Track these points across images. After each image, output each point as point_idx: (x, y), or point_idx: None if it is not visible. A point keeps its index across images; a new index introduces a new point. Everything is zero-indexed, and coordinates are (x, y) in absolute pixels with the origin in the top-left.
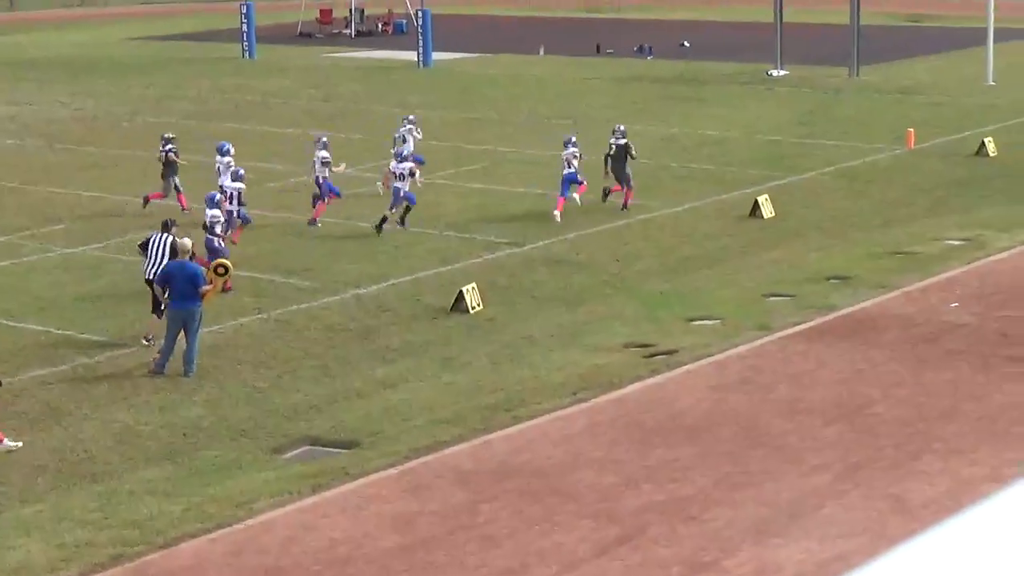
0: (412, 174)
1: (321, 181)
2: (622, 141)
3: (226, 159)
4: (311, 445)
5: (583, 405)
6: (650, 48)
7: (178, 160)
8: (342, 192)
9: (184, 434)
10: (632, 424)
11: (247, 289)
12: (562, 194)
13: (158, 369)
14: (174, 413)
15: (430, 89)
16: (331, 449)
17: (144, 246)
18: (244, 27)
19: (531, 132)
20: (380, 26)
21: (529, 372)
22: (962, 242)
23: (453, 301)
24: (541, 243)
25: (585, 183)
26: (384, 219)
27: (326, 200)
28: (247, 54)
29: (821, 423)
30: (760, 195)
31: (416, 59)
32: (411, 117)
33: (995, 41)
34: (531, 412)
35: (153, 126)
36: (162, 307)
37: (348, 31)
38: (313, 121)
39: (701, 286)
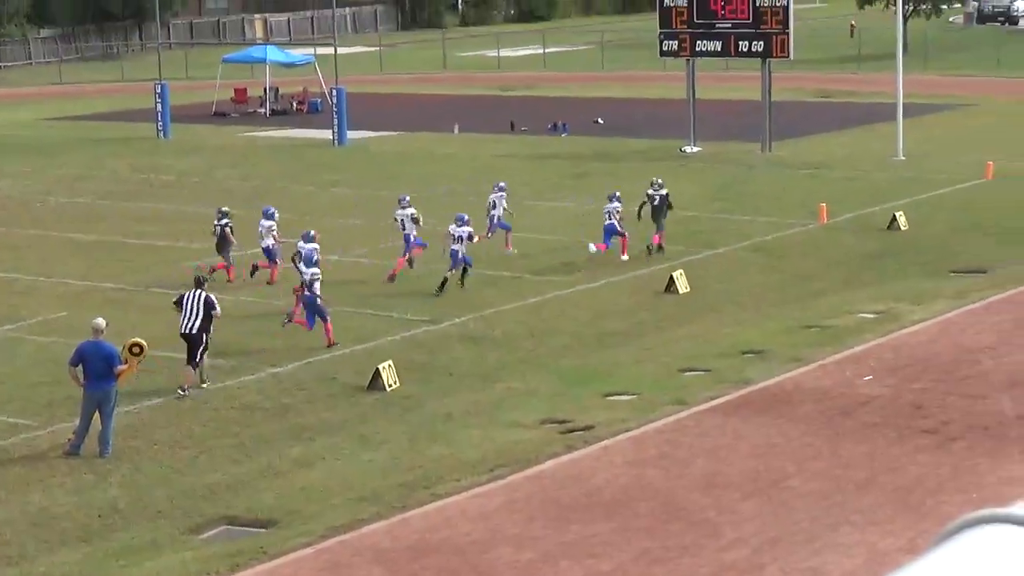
0: (470, 238)
1: (412, 238)
2: (663, 191)
3: (269, 223)
4: (228, 525)
5: (500, 482)
6: (564, 125)
7: (232, 235)
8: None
9: (100, 515)
10: (549, 500)
11: (163, 369)
12: (604, 242)
13: (73, 450)
14: (90, 494)
15: (345, 167)
16: (249, 529)
17: (179, 303)
18: (159, 107)
19: (447, 209)
20: (295, 105)
21: (446, 449)
22: (875, 315)
23: (370, 379)
24: (458, 320)
25: (627, 235)
26: (445, 281)
27: (405, 255)
28: (162, 134)
29: (738, 497)
30: (675, 270)
31: (331, 137)
32: (502, 184)
33: (904, 116)
34: (449, 489)
35: (66, 206)
36: (193, 359)
37: (263, 110)
38: (230, 200)
39: (617, 362)
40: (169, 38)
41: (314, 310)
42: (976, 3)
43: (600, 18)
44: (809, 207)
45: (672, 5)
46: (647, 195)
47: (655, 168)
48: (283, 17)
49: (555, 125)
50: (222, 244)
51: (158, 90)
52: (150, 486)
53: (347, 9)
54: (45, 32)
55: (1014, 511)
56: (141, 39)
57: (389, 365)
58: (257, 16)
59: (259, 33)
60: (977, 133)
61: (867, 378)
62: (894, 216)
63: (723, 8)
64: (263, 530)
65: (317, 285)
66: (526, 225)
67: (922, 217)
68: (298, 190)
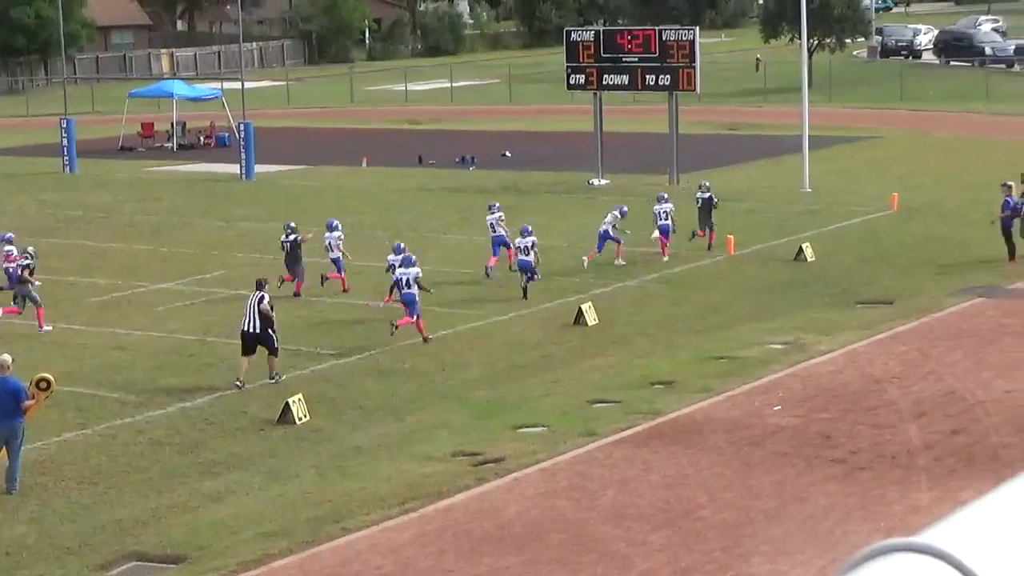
0: (534, 246)
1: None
2: (707, 195)
3: (336, 234)
4: (138, 561)
5: (411, 515)
6: (472, 159)
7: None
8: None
9: (8, 553)
10: (461, 533)
11: (71, 404)
12: (597, 248)
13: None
14: None
15: (254, 202)
16: (158, 564)
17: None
18: (64, 141)
19: (355, 243)
20: (202, 139)
21: (357, 483)
22: (783, 346)
23: (279, 413)
24: (367, 353)
25: (622, 241)
26: (528, 284)
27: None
28: (68, 168)
29: (649, 528)
30: (584, 303)
31: (239, 172)
32: (497, 204)
33: (810, 148)
34: (359, 523)
35: None
36: (250, 353)
37: (170, 144)
38: (136, 234)
39: (527, 394)
40: (75, 73)
41: (412, 306)
42: (880, 37)
43: (507, 52)
44: (717, 239)
45: (579, 39)
46: (697, 199)
47: (564, 201)
48: (190, 52)
49: (463, 158)
50: (291, 259)
51: (64, 125)
52: (58, 522)
53: (254, 44)
54: None
55: (920, 540)
56: (46, 74)
57: (299, 399)
58: (164, 51)
59: (166, 68)
60: (882, 165)
61: (776, 408)
62: (801, 248)
63: (629, 42)
64: (173, 566)
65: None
66: (434, 258)
67: (828, 248)
68: (206, 224)
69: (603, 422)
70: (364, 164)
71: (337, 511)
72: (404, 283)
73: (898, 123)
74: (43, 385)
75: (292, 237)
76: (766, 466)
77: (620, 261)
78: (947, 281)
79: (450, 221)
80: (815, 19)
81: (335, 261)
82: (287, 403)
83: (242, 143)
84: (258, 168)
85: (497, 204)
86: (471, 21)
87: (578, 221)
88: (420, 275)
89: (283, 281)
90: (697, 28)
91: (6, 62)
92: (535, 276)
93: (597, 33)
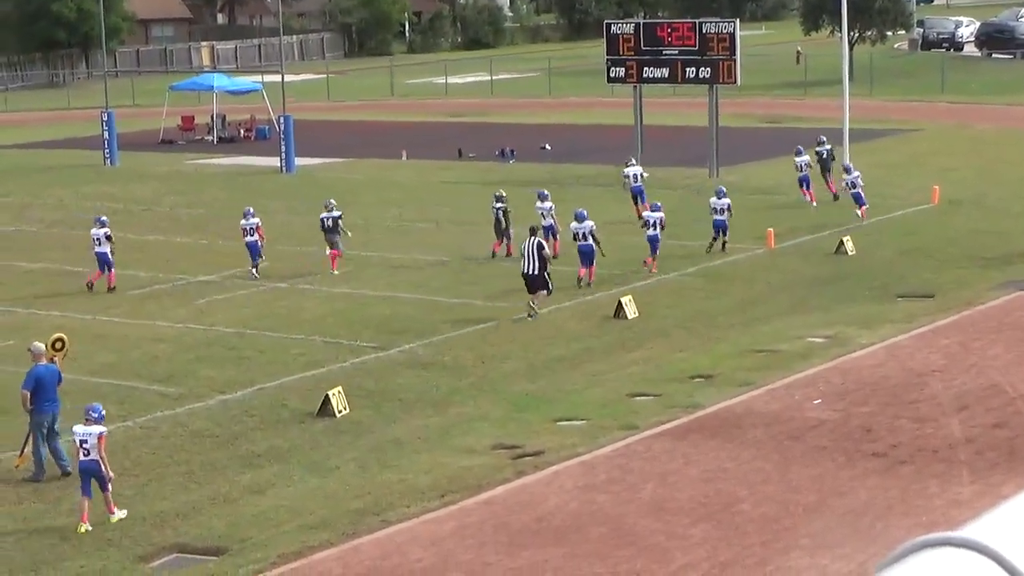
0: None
1: (555, 226)
2: (828, 146)
3: (547, 203)
4: (179, 553)
5: (451, 508)
6: (512, 151)
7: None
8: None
9: (49, 544)
10: (500, 526)
11: (112, 396)
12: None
13: (36, 476)
14: (38, 522)
15: (293, 195)
16: (199, 556)
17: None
18: (105, 134)
19: (395, 236)
20: (242, 132)
21: (396, 475)
22: (824, 339)
23: (319, 405)
24: (407, 346)
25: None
26: (712, 245)
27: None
28: (109, 161)
29: (689, 522)
30: (624, 296)
31: (279, 165)
32: (546, 193)
33: (850, 142)
34: (399, 516)
35: (13, 235)
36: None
37: (210, 137)
38: (177, 227)
39: (567, 387)
40: (116, 66)
41: (590, 258)
42: (921, 30)
43: (547, 45)
44: (757, 232)
45: (619, 32)
46: (816, 152)
47: (602, 194)
48: (230, 45)
49: (503, 151)
50: (499, 227)
51: (104, 118)
52: (100, 514)
53: (294, 37)
54: None
55: (962, 535)
56: (87, 67)
57: (339, 391)
58: (204, 44)
59: (206, 61)
60: (923, 158)
61: (816, 402)
62: (841, 241)
63: (669, 35)
64: (214, 558)
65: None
66: (475, 252)
67: (869, 242)
68: None
69: (643, 415)
70: (404, 157)
71: (377, 503)
72: (580, 236)
73: (939, 116)
74: (58, 345)
75: (498, 207)
76: (806, 460)
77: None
78: (989, 274)
79: (489, 214)
80: (856, 11)
81: (548, 228)
82: (327, 396)
83: (282, 136)
84: (298, 161)
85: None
86: (511, 14)
87: (617, 214)
88: (595, 228)
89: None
90: (737, 20)
91: (47, 55)
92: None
93: (637, 26)
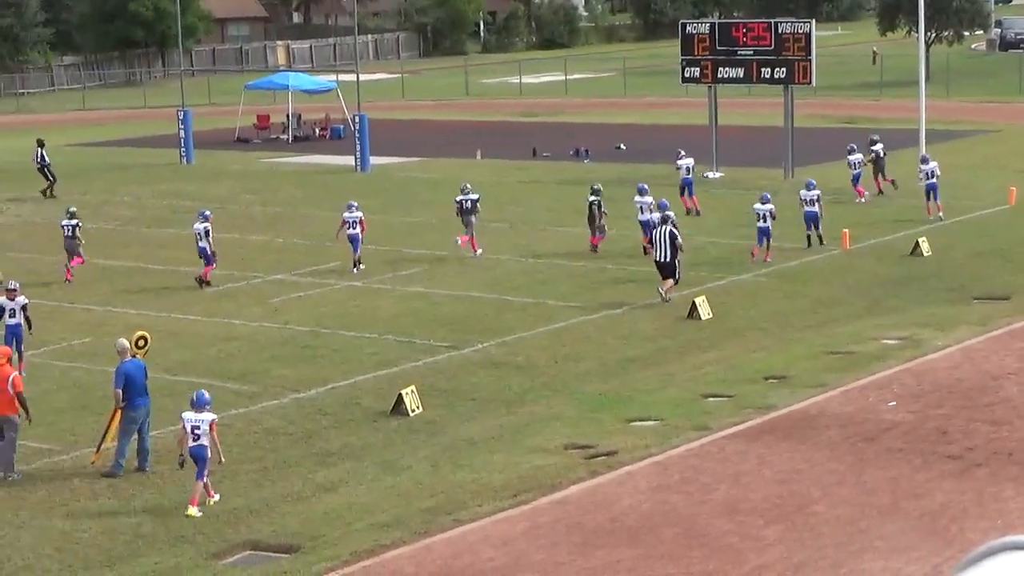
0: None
1: (652, 221)
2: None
3: (647, 198)
4: (252, 550)
5: (524, 507)
6: (587, 151)
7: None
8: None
9: (124, 540)
10: (573, 526)
11: (186, 394)
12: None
13: (115, 471)
14: (113, 519)
15: (368, 193)
16: (272, 554)
17: (651, 240)
18: (181, 133)
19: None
20: (317, 131)
21: (469, 475)
22: (899, 341)
23: (393, 404)
24: (480, 346)
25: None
26: (809, 240)
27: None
28: (185, 159)
29: (762, 523)
30: (698, 296)
31: (354, 164)
32: (643, 186)
33: (927, 143)
34: (472, 515)
35: (90, 232)
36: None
37: (286, 136)
38: (252, 225)
39: (640, 387)
40: (192, 65)
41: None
42: (999, 30)
43: (621, 45)
44: (832, 233)
45: (694, 32)
46: (871, 151)
47: (675, 193)
48: (305, 44)
49: (577, 151)
50: (592, 220)
51: (181, 116)
52: (174, 511)
53: (369, 36)
54: (68, 59)
55: None
56: (164, 66)
57: (412, 390)
58: (279, 43)
59: (281, 60)
60: (1000, 159)
61: (891, 404)
62: (917, 242)
63: (745, 35)
64: (286, 555)
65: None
66: (547, 251)
67: (945, 243)
68: (321, 215)
69: (716, 416)
70: (479, 156)
71: (450, 502)
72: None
73: (1017, 117)
74: (140, 343)
75: (593, 199)
76: (880, 462)
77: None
78: None
79: (564, 213)
80: (933, 11)
81: (644, 224)
82: (400, 395)
83: (357, 135)
84: (373, 160)
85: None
86: (586, 14)
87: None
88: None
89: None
90: (813, 21)
91: (125, 54)
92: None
93: (712, 26)
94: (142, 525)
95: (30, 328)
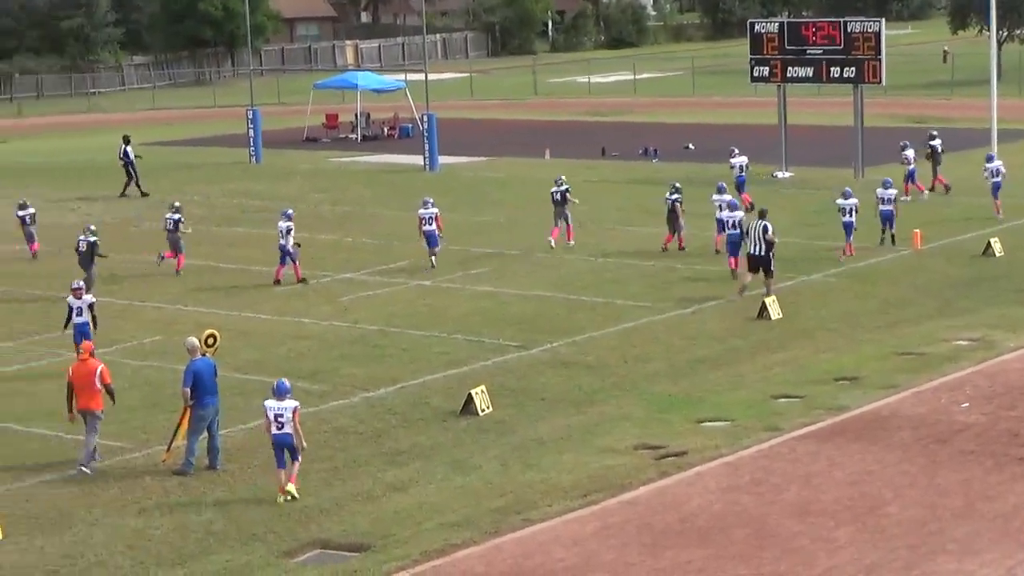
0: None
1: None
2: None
3: (725, 196)
4: (322, 548)
5: (594, 507)
6: (655, 151)
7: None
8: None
9: (195, 538)
10: (643, 526)
11: (257, 393)
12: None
13: (185, 469)
14: (185, 516)
15: (436, 192)
16: (342, 553)
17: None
18: (250, 132)
19: (537, 234)
20: (386, 130)
21: (539, 475)
22: (971, 342)
23: (462, 404)
24: (549, 345)
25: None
26: (882, 238)
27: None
28: (254, 159)
29: (833, 524)
30: (768, 296)
31: (422, 163)
32: (723, 185)
33: (999, 142)
34: (542, 515)
35: (160, 231)
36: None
37: (354, 135)
38: (321, 224)
39: (710, 388)
40: (261, 64)
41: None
42: None
43: (690, 44)
44: (902, 233)
45: (763, 32)
46: (929, 146)
47: (747, 193)
48: (374, 44)
49: (646, 150)
50: (672, 218)
51: (250, 116)
52: (245, 509)
53: (437, 36)
54: (138, 59)
55: None
56: (233, 65)
57: (482, 390)
58: (348, 42)
59: (350, 59)
60: None
61: (964, 405)
62: (989, 243)
63: (814, 34)
64: (356, 554)
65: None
66: (616, 250)
67: (1017, 244)
68: (390, 214)
69: (786, 417)
70: (547, 156)
71: (519, 502)
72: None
73: None
74: (210, 341)
75: (674, 197)
76: (953, 464)
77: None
78: None
79: (633, 213)
80: (1005, 9)
81: (720, 221)
82: (470, 394)
83: (425, 134)
84: (441, 159)
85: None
86: (654, 13)
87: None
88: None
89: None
90: (883, 19)
91: (194, 54)
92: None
93: (781, 25)
94: (213, 523)
95: (95, 326)
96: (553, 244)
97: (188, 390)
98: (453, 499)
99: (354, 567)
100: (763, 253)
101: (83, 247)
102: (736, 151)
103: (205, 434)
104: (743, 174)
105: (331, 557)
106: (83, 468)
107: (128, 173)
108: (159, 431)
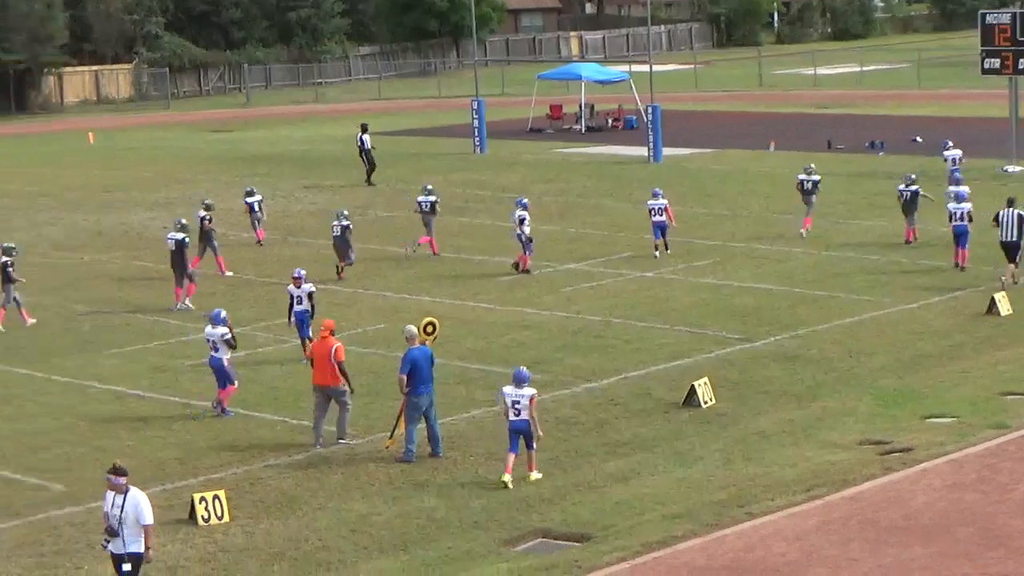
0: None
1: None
2: (913, 187)
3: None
4: (543, 538)
5: (816, 502)
6: (882, 144)
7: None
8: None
9: (417, 524)
10: (867, 522)
11: (479, 382)
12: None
13: (406, 458)
14: (408, 504)
15: (660, 184)
16: (563, 542)
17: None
18: (475, 123)
19: (761, 227)
20: (610, 122)
21: (761, 468)
22: None
23: (685, 395)
24: (772, 339)
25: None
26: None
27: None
28: (478, 149)
29: None
30: (997, 292)
31: (646, 154)
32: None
33: None
34: (763, 508)
35: (384, 220)
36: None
37: (578, 127)
38: (544, 215)
39: (935, 383)
40: (486, 55)
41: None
42: None
43: (917, 36)
44: None
45: (994, 23)
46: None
47: (974, 188)
48: (598, 35)
49: (872, 143)
50: (909, 210)
51: (474, 106)
52: (467, 497)
53: (662, 27)
54: (364, 49)
55: None
56: (458, 56)
57: (704, 382)
58: (573, 34)
59: (575, 51)
60: None
61: None
62: None
63: None
64: (577, 544)
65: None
66: (841, 243)
67: None
68: (613, 205)
69: (1014, 415)
70: (771, 148)
71: (741, 495)
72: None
73: None
74: (429, 329)
75: (914, 188)
76: None
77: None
78: None
79: (858, 206)
80: None
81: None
82: (692, 386)
83: (649, 126)
84: (665, 151)
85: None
86: (881, 4)
87: (989, 208)
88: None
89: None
90: None
91: (419, 45)
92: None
93: (1014, 16)
94: (436, 510)
95: (312, 315)
96: (804, 234)
97: (404, 377)
98: (674, 491)
99: (575, 556)
100: (1016, 239)
101: (337, 231)
102: (950, 144)
103: (423, 423)
104: (956, 167)
105: (552, 546)
106: (342, 441)
107: (366, 161)
108: (382, 418)
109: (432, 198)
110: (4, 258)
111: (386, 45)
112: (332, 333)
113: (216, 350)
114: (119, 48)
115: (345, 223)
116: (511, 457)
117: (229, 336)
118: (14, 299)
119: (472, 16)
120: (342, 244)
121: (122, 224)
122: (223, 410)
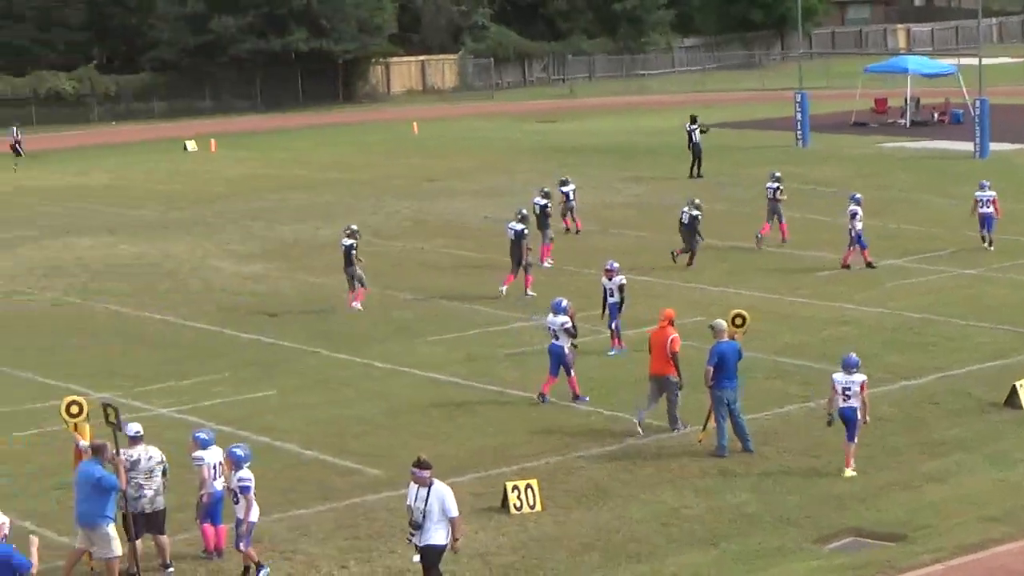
0: None
1: None
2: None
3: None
4: (856, 536)
5: None
6: None
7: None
8: None
9: (729, 519)
10: None
11: (795, 377)
12: None
13: (719, 453)
14: (719, 498)
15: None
16: (876, 541)
17: None
18: (798, 115)
19: None
20: (936, 116)
21: None
22: None
23: (1006, 396)
24: None
25: None
26: None
27: None
28: (800, 143)
29: None
30: None
31: (972, 149)
32: None
33: None
34: None
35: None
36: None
37: (903, 121)
38: (864, 209)
39: None
40: (811, 47)
41: None
42: None
43: None
44: None
45: None
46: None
47: None
48: (926, 27)
49: None
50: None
51: (797, 99)
52: (780, 493)
53: (993, 19)
54: (689, 41)
55: None
56: (782, 48)
57: None
58: (900, 26)
59: (901, 43)
60: None
61: None
62: None
63: None
64: (891, 544)
65: None
66: None
67: None
68: (934, 202)
69: None
70: None
71: None
72: None
73: None
74: (738, 322)
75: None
76: None
77: None
78: None
79: None
80: None
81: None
82: (1014, 386)
83: (977, 120)
84: (992, 146)
85: None
86: None
87: None
88: None
89: None
90: None
91: (743, 37)
92: None
93: None
94: (747, 505)
95: (621, 308)
96: None
97: (711, 368)
98: (992, 493)
99: (888, 556)
100: None
101: (686, 219)
102: None
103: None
104: None
105: (865, 545)
106: (676, 429)
107: (693, 154)
108: (694, 410)
109: (776, 184)
110: (348, 240)
111: (710, 37)
112: (671, 323)
113: (557, 338)
114: (445, 38)
115: (695, 212)
116: (851, 447)
117: (570, 325)
118: (358, 278)
119: (798, 7)
120: (688, 232)
121: (445, 212)
122: (576, 396)
